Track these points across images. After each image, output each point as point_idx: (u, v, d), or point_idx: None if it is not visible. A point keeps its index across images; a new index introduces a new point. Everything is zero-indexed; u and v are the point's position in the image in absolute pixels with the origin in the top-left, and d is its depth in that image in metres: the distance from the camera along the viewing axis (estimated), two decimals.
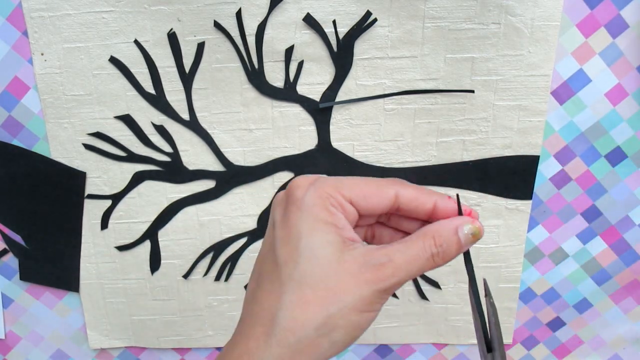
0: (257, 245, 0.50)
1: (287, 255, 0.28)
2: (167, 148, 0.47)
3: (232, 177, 0.47)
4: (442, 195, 0.30)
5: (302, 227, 0.28)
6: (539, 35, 0.42)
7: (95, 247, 0.50)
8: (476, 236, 0.29)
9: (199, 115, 0.45)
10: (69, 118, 0.45)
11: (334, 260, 0.27)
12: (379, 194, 0.29)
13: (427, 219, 0.30)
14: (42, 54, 0.43)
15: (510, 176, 0.47)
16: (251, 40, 0.43)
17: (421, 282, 0.51)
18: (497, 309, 0.52)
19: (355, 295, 0.27)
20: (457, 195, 0.30)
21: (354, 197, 0.29)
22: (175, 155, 0.47)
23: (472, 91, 0.44)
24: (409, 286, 0.51)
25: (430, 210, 0.29)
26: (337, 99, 0.45)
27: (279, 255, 0.28)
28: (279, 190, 0.48)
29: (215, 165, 0.47)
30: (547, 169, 0.47)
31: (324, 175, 0.30)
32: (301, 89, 0.44)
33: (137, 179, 0.48)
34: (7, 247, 0.50)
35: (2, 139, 0.46)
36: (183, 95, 0.45)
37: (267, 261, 0.29)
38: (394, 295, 0.52)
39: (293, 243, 0.28)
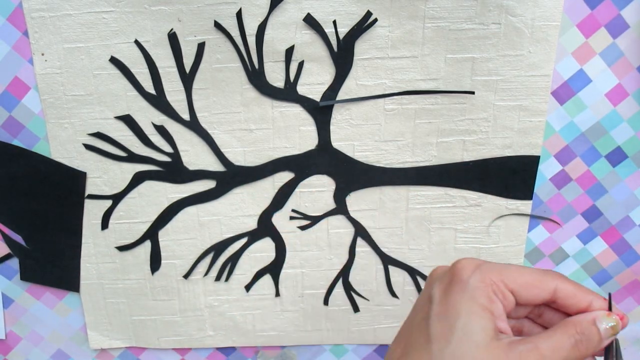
0: (258, 245, 0.50)
1: (441, 331, 0.29)
2: (168, 148, 0.47)
3: (232, 177, 0.47)
4: (599, 296, 0.30)
5: (462, 307, 0.29)
6: (539, 36, 0.42)
7: (96, 247, 0.50)
8: (615, 329, 0.30)
9: (199, 115, 0.45)
10: (69, 118, 0.45)
11: (484, 346, 0.28)
12: (540, 286, 0.30)
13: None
14: (42, 54, 0.43)
15: (510, 176, 0.47)
16: (251, 40, 0.43)
17: (421, 282, 0.51)
18: None
19: None
20: (610, 295, 0.31)
21: (516, 287, 0.30)
22: (175, 155, 0.47)
23: (473, 92, 0.44)
24: (409, 286, 0.51)
25: (585, 309, 0.30)
26: (338, 99, 0.45)
27: (433, 330, 0.29)
28: (282, 189, 0.48)
29: (216, 166, 0.47)
30: (547, 169, 0.47)
31: (490, 261, 0.31)
32: (301, 89, 0.44)
33: (138, 179, 0.48)
34: (10, 252, 0.50)
35: (2, 139, 0.47)
36: (183, 96, 0.45)
37: (418, 333, 0.30)
38: (394, 296, 0.52)
39: (450, 321, 0.29)
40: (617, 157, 0.47)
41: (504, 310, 0.30)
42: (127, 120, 0.46)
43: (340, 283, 0.51)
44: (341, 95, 0.45)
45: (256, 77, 0.44)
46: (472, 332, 0.28)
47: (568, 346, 0.29)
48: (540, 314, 0.32)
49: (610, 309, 0.30)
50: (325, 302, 0.52)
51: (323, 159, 0.47)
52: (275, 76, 0.44)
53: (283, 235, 0.50)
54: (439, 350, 0.29)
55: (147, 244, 0.50)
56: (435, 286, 0.31)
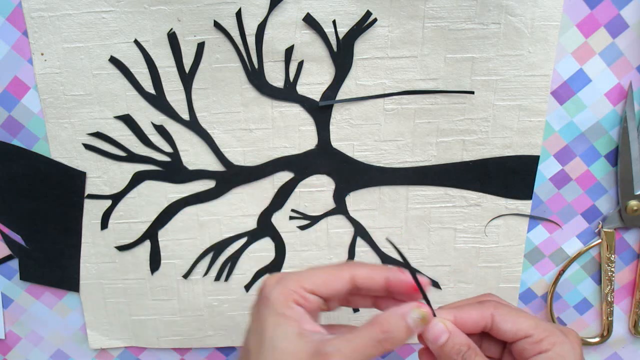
0: (257, 245, 0.50)
1: (255, 345, 0.33)
2: (167, 148, 0.47)
3: (232, 177, 0.47)
4: (394, 270, 0.34)
5: (266, 320, 0.33)
6: (539, 35, 0.42)
7: (95, 247, 0.50)
8: (425, 320, 0.33)
9: (199, 115, 0.45)
10: (69, 118, 0.45)
11: (290, 351, 0.32)
12: (336, 279, 0.34)
13: (387, 294, 0.35)
14: (42, 54, 0.43)
15: (510, 176, 0.47)
16: (251, 40, 0.43)
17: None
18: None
19: None
20: (413, 272, 0.33)
21: (315, 287, 0.33)
22: (175, 155, 0.47)
23: (472, 92, 0.44)
24: None
25: (384, 285, 0.34)
26: (337, 99, 0.45)
27: (250, 344, 0.34)
28: (281, 189, 0.48)
29: (215, 165, 0.47)
30: (547, 169, 0.47)
31: (291, 272, 0.34)
32: (301, 89, 0.44)
33: (137, 179, 0.48)
34: (10, 253, 0.50)
35: (2, 139, 0.47)
36: (183, 95, 0.45)
37: (243, 346, 0.35)
38: None
39: (259, 334, 0.33)
40: (616, 157, 0.47)
41: (309, 312, 0.33)
42: (127, 120, 0.46)
43: None
44: (341, 95, 0.45)
45: (256, 77, 0.44)
46: (277, 340, 0.32)
47: (371, 346, 0.32)
48: (374, 300, 0.37)
49: (417, 281, 0.33)
50: None
51: (323, 158, 0.47)
52: (275, 76, 0.44)
53: (283, 235, 0.50)
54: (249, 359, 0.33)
55: (147, 244, 0.50)
56: (254, 305, 0.35)
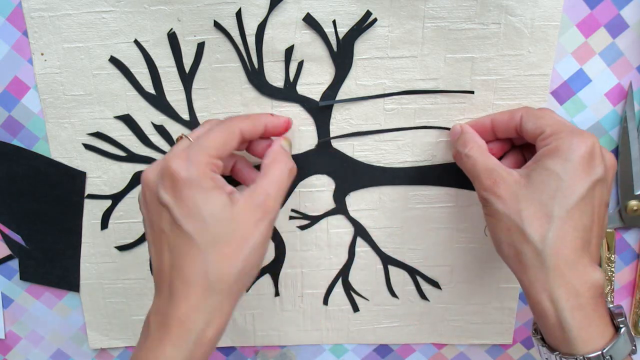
0: None
1: (195, 226, 0.34)
2: (167, 148, 0.47)
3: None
4: (268, 115, 0.42)
5: (198, 200, 0.34)
6: (539, 35, 0.42)
7: (95, 247, 0.50)
8: (287, 142, 0.41)
9: (198, 115, 0.45)
10: (69, 118, 0.45)
11: (231, 216, 0.34)
12: (231, 137, 0.37)
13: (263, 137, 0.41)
14: (42, 54, 0.43)
15: None
16: (251, 40, 0.43)
17: (421, 282, 0.51)
18: (498, 309, 0.52)
19: (258, 235, 0.35)
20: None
21: (218, 152, 0.36)
22: None
23: (472, 92, 0.44)
24: (409, 286, 0.51)
25: (262, 131, 0.40)
26: (337, 99, 0.45)
27: (188, 229, 0.34)
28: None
29: None
30: None
31: (190, 143, 0.36)
32: (301, 89, 0.44)
33: (137, 179, 0.48)
34: (11, 253, 0.50)
35: (2, 139, 0.47)
36: (183, 95, 0.45)
37: (174, 236, 0.34)
38: (394, 295, 0.52)
39: (196, 215, 0.34)
40: (617, 157, 0.47)
41: (222, 175, 0.36)
42: (127, 120, 0.46)
43: (339, 283, 0.51)
44: (341, 95, 0.45)
45: (256, 77, 0.44)
46: (216, 212, 0.34)
47: (285, 175, 0.38)
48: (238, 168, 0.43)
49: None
50: (325, 301, 0.52)
51: (323, 158, 0.47)
52: (275, 76, 0.44)
53: (283, 235, 0.50)
54: (203, 241, 0.34)
55: (147, 244, 0.50)
56: (162, 193, 0.34)
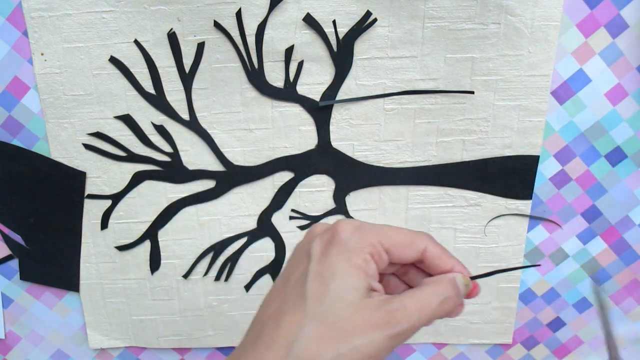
0: (257, 245, 0.50)
1: (317, 291, 0.30)
2: (167, 148, 0.47)
3: (232, 177, 0.47)
4: (460, 263, 0.33)
5: (337, 267, 0.30)
6: (539, 35, 0.42)
7: (95, 247, 0.50)
8: (467, 288, 0.32)
9: (199, 115, 0.45)
10: (69, 118, 0.45)
11: (355, 305, 0.29)
12: (412, 246, 0.31)
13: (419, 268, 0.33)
14: (42, 54, 0.43)
15: (510, 176, 0.47)
16: (251, 40, 0.43)
17: None
18: (498, 308, 0.52)
19: (365, 340, 0.29)
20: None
21: (391, 247, 0.31)
22: (175, 155, 0.47)
23: (472, 92, 0.44)
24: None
25: (447, 271, 0.32)
26: (337, 99, 0.45)
27: (309, 288, 0.30)
28: (281, 189, 0.48)
29: (215, 165, 0.47)
30: (547, 169, 0.47)
31: (370, 223, 0.32)
32: (301, 89, 0.44)
33: (137, 179, 0.48)
34: (11, 253, 0.50)
35: (2, 139, 0.47)
36: (183, 95, 0.45)
37: (295, 291, 0.31)
38: None
39: (325, 281, 0.30)
40: (616, 156, 0.47)
41: (377, 270, 0.31)
42: (127, 120, 0.46)
43: None
44: (341, 95, 0.45)
45: (256, 77, 0.44)
46: (345, 291, 0.29)
47: (435, 304, 0.30)
48: (405, 272, 0.34)
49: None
50: None
51: (323, 158, 0.47)
52: (275, 76, 0.44)
53: (283, 235, 0.50)
54: (313, 310, 0.30)
55: (147, 244, 0.50)
56: (314, 244, 0.32)
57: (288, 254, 0.50)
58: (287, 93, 0.45)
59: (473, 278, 0.32)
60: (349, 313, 0.29)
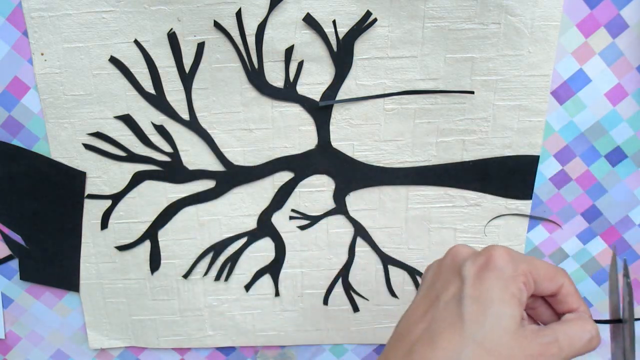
0: (257, 245, 0.50)
1: (475, 314, 0.30)
2: (167, 148, 0.47)
3: (232, 177, 0.47)
4: (586, 306, 0.33)
5: (495, 294, 0.30)
6: (539, 35, 0.42)
7: (95, 247, 0.50)
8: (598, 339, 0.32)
9: (199, 115, 0.45)
10: (69, 118, 0.45)
11: (512, 333, 0.29)
12: (553, 280, 0.32)
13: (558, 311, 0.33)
14: (42, 54, 0.43)
15: (510, 176, 0.47)
16: (251, 40, 0.43)
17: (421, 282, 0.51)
18: None
19: None
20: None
21: (539, 279, 0.31)
22: (175, 155, 0.47)
23: (472, 92, 0.44)
24: (409, 286, 0.51)
25: (574, 310, 0.32)
26: (337, 99, 0.45)
27: (466, 311, 0.30)
28: (281, 189, 0.48)
29: (215, 165, 0.47)
30: (547, 169, 0.47)
31: (518, 252, 0.32)
32: (301, 89, 0.44)
33: (137, 179, 0.48)
34: (11, 254, 0.50)
35: (2, 139, 0.47)
36: (183, 95, 0.45)
37: (448, 312, 0.31)
38: (394, 295, 0.52)
39: (483, 305, 0.30)
40: (616, 156, 0.47)
41: (526, 301, 0.31)
42: (127, 120, 0.46)
43: (340, 283, 0.51)
44: (341, 95, 0.45)
45: (256, 77, 0.44)
46: (503, 318, 0.29)
47: (585, 341, 0.31)
48: (534, 306, 0.34)
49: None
50: (325, 302, 0.52)
51: (323, 158, 0.47)
52: (275, 76, 0.44)
53: (283, 235, 0.50)
54: (471, 333, 0.29)
55: (147, 244, 0.50)
56: (466, 268, 0.32)
57: (288, 254, 0.50)
58: (287, 93, 0.45)
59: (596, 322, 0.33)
60: (506, 340, 0.29)
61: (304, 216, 0.49)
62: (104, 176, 0.47)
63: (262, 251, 0.50)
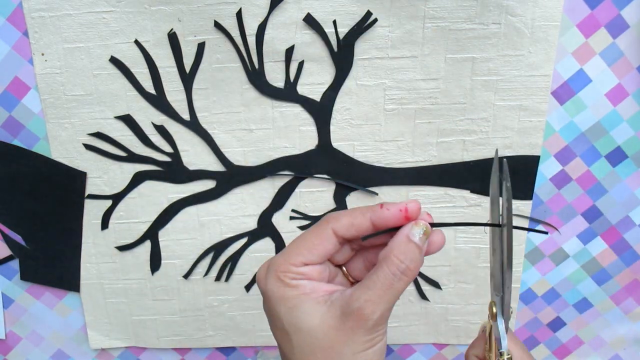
0: (258, 245, 0.50)
1: (281, 338, 0.32)
2: (168, 148, 0.47)
3: (232, 177, 0.47)
4: (374, 208, 0.31)
5: (280, 312, 0.31)
6: (539, 36, 0.42)
7: (96, 247, 0.50)
8: (427, 232, 0.31)
9: (199, 115, 0.45)
10: (69, 118, 0.45)
11: (319, 325, 0.30)
12: (320, 241, 0.31)
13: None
14: (42, 54, 0.43)
15: (510, 176, 0.47)
16: (251, 40, 0.43)
17: (421, 282, 0.51)
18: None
19: (349, 344, 0.30)
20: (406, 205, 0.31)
21: (304, 259, 0.31)
22: (175, 155, 0.47)
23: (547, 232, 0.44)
24: (409, 286, 0.51)
25: (371, 227, 0.31)
26: (338, 99, 0.45)
27: (277, 338, 0.32)
28: (282, 189, 0.48)
29: (216, 165, 0.47)
30: (547, 169, 0.47)
31: (276, 255, 0.32)
32: (301, 89, 0.44)
33: (138, 179, 0.48)
34: (11, 254, 0.50)
35: (2, 139, 0.47)
36: (183, 95, 0.45)
37: (280, 349, 0.33)
38: None
39: (280, 328, 0.31)
40: (617, 157, 0.47)
41: (314, 279, 0.31)
42: (127, 120, 0.46)
43: None
44: (341, 95, 0.45)
45: (256, 77, 0.44)
46: (300, 322, 0.30)
47: (394, 282, 0.30)
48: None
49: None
50: None
51: (323, 159, 0.47)
52: (275, 76, 0.44)
53: (283, 235, 0.50)
54: (289, 355, 0.31)
55: (147, 244, 0.50)
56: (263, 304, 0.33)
57: None
58: (288, 93, 0.45)
59: (434, 225, 0.31)
60: (319, 333, 0.30)
61: (304, 216, 0.49)
62: (104, 176, 0.47)
63: (263, 251, 0.50)
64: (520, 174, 0.47)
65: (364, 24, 0.42)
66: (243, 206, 0.49)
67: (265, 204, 0.49)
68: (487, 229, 0.34)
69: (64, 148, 0.47)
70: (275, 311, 0.31)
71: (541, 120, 0.45)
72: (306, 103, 0.45)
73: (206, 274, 0.51)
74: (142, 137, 0.46)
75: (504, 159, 0.31)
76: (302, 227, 0.49)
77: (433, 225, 0.31)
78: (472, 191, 0.48)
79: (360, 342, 0.30)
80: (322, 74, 0.44)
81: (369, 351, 0.30)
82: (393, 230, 0.31)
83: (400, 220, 0.31)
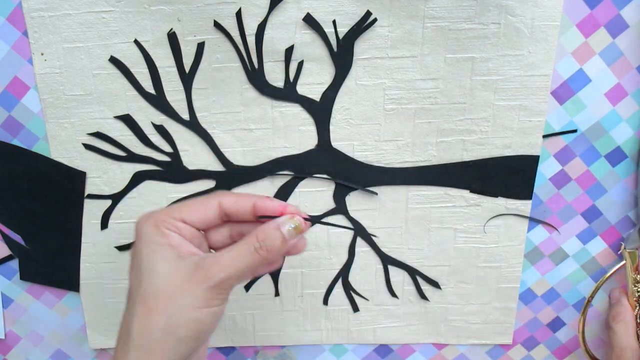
0: None
1: (134, 278, 0.34)
2: (167, 148, 0.47)
3: (232, 177, 0.47)
4: (262, 197, 0.36)
5: (143, 252, 0.34)
6: (539, 35, 0.42)
7: (96, 247, 0.50)
8: (298, 229, 0.35)
9: (199, 115, 0.45)
10: (69, 118, 0.45)
11: (170, 273, 0.33)
12: (204, 207, 0.35)
13: (257, 221, 0.36)
14: (42, 54, 0.43)
15: (510, 176, 0.47)
16: (251, 40, 0.43)
17: (421, 282, 0.51)
18: (497, 309, 0.52)
19: (189, 296, 0.33)
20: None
21: (184, 216, 0.35)
22: (175, 155, 0.47)
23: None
24: (409, 286, 0.51)
25: (252, 209, 0.35)
26: (337, 99, 0.45)
27: (130, 280, 0.34)
28: (281, 189, 0.48)
29: (215, 165, 0.47)
30: (547, 169, 0.47)
31: (161, 207, 0.36)
32: (301, 89, 0.44)
33: (137, 179, 0.48)
34: (11, 254, 0.50)
35: (2, 139, 0.47)
36: (183, 95, 0.45)
37: (129, 290, 0.35)
38: (394, 295, 0.52)
39: (137, 267, 0.34)
40: (616, 157, 0.47)
41: (184, 237, 0.34)
42: (127, 120, 0.46)
43: (339, 283, 0.51)
44: (341, 95, 0.45)
45: (256, 77, 0.44)
46: (156, 265, 0.33)
47: (247, 254, 0.34)
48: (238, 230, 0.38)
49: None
50: (325, 301, 0.52)
51: (323, 158, 0.47)
52: (275, 76, 0.44)
53: None
54: (135, 293, 0.33)
55: None
56: (131, 249, 0.36)
57: None
58: (287, 93, 0.45)
59: (308, 220, 0.35)
60: (167, 280, 0.33)
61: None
62: (104, 176, 0.48)
63: None
64: (520, 173, 0.47)
65: (364, 24, 0.42)
66: None
67: None
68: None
69: (64, 148, 0.47)
70: (140, 251, 0.34)
71: (541, 120, 0.45)
72: (306, 103, 0.45)
73: None
74: (142, 137, 0.46)
75: None
76: None
77: (308, 220, 0.35)
78: (472, 191, 0.48)
79: (199, 297, 0.32)
80: (321, 74, 0.44)
81: (204, 310, 0.33)
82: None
83: (278, 212, 0.35)
